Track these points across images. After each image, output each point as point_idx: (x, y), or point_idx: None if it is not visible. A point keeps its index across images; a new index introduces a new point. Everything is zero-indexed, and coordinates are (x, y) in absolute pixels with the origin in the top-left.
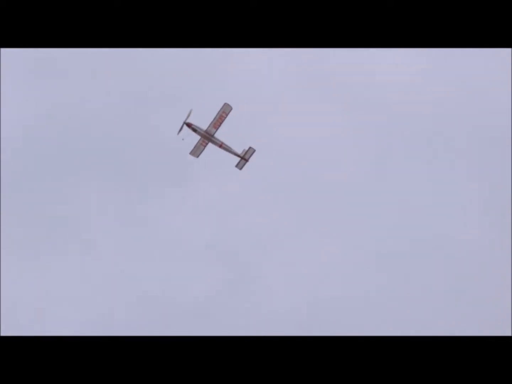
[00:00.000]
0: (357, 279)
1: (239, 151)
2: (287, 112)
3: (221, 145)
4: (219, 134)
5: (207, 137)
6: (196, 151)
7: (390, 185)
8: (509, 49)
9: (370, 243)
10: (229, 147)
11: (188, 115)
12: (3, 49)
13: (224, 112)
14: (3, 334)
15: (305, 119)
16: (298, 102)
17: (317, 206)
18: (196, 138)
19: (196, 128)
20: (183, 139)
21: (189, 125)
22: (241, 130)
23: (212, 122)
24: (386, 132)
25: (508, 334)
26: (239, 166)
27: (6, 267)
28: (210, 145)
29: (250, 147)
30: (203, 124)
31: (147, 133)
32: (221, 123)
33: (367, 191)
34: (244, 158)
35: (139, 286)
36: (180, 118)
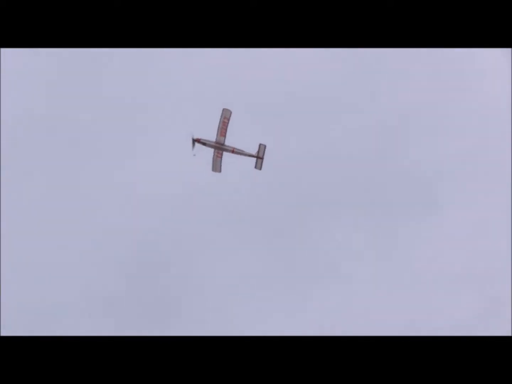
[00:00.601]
0: None
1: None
2: None
3: (233, 151)
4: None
5: (219, 147)
6: (216, 166)
7: None
8: (509, 49)
9: None
10: (242, 150)
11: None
12: (3, 49)
13: (225, 118)
14: (3, 334)
15: None
16: None
17: None
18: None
19: (206, 142)
20: (194, 155)
21: (198, 140)
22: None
23: (218, 131)
24: None
25: (508, 334)
26: (258, 166)
27: (275, 302)
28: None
29: (260, 144)
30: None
31: (399, 164)
32: (226, 129)
33: None
34: (259, 157)
35: (405, 316)
36: None
